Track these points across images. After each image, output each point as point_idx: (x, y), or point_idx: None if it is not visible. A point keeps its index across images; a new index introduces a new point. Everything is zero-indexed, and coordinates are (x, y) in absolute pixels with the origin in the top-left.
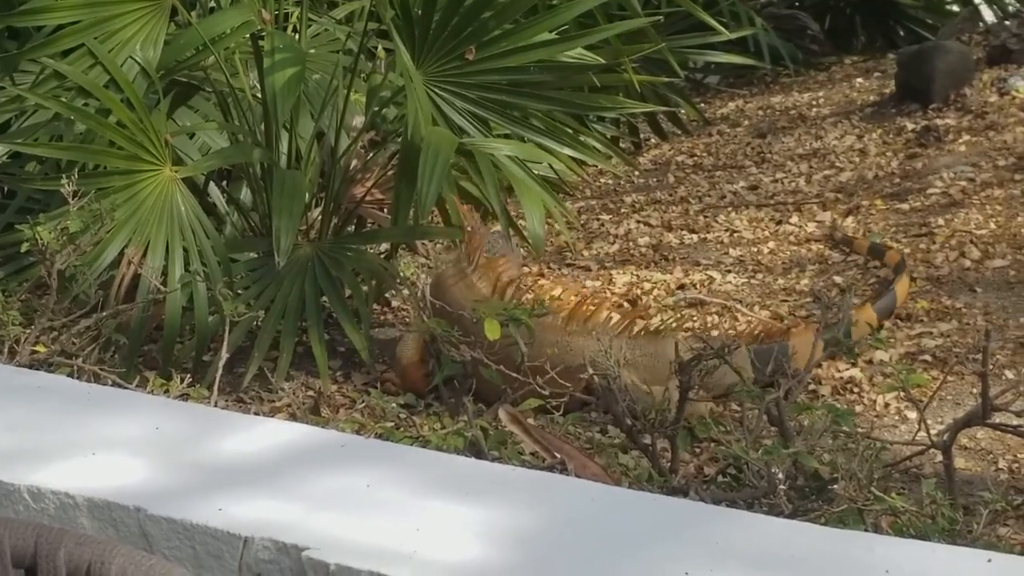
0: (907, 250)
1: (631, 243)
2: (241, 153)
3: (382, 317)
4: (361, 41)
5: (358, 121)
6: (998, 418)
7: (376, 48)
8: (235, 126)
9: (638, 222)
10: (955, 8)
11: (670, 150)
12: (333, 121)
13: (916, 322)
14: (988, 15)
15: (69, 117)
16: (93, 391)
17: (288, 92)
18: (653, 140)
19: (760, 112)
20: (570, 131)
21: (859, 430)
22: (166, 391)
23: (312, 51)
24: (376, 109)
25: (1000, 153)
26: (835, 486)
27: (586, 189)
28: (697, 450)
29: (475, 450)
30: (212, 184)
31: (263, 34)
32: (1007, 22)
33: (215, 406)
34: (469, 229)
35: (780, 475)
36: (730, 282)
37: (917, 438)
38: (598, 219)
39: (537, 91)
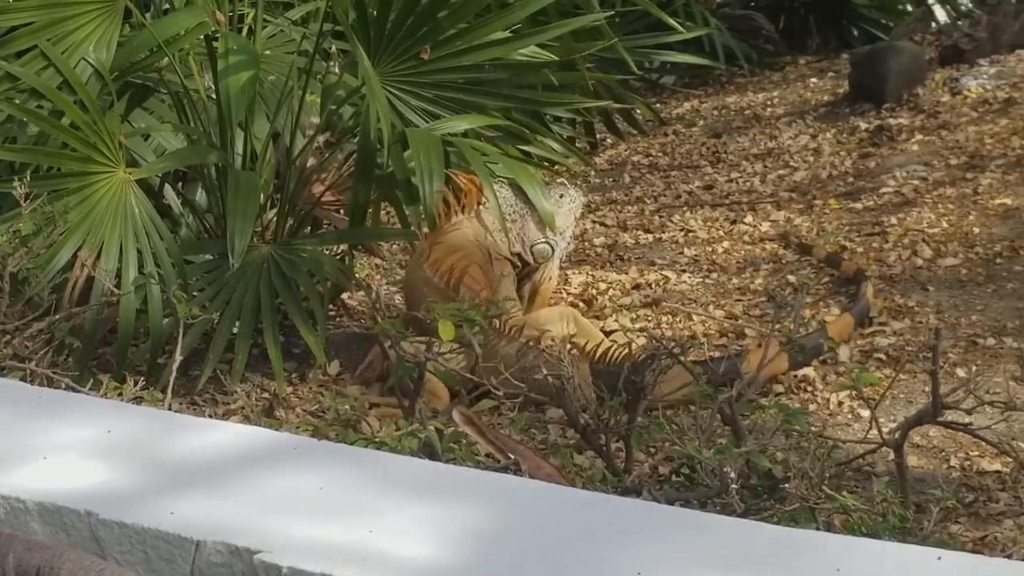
0: (860, 249)
1: (587, 243)
2: (196, 155)
3: (338, 319)
4: (316, 42)
5: (314, 121)
6: (950, 416)
7: (331, 49)
8: (190, 128)
9: (594, 222)
10: (909, 8)
11: (626, 150)
12: (288, 122)
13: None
14: (941, 15)
15: (22, 119)
16: (44, 395)
17: (243, 93)
18: (609, 140)
19: (715, 112)
20: (527, 131)
21: (812, 428)
22: (120, 394)
23: (268, 52)
24: (332, 108)
25: (952, 152)
26: (787, 485)
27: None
28: (652, 450)
29: (429, 451)
30: (167, 186)
31: (217, 35)
32: (959, 22)
33: (169, 409)
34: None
35: (732, 474)
36: (685, 282)
37: (869, 436)
38: None
39: (492, 89)
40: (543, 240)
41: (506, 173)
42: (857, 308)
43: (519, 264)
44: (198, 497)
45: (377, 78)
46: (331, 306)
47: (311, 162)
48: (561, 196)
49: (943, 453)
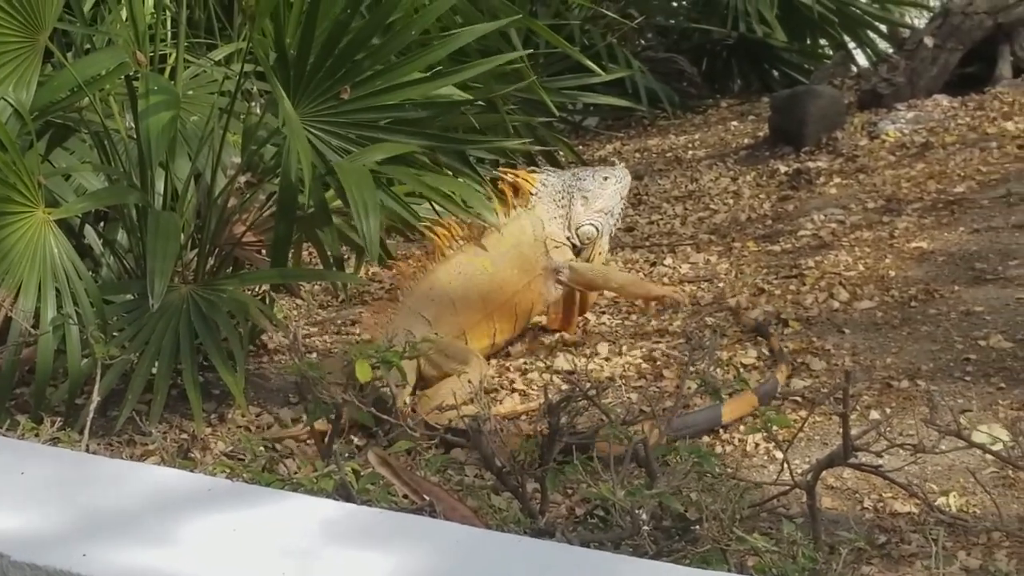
0: (777, 291)
1: None
2: (115, 195)
3: (258, 359)
4: (238, 82)
5: (235, 161)
6: (863, 458)
7: (253, 89)
8: (110, 168)
9: None
10: (829, 52)
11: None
12: (210, 161)
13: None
14: (862, 59)
15: None
16: None
17: (163, 133)
18: None
19: (637, 154)
20: (448, 171)
21: (727, 470)
22: (36, 435)
23: (190, 92)
24: (253, 148)
25: (869, 196)
26: (697, 527)
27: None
28: (570, 491)
29: (345, 493)
30: (88, 226)
31: (138, 76)
32: (878, 67)
33: (86, 450)
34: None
35: (644, 516)
36: (604, 323)
37: (782, 479)
38: None
39: (414, 129)
40: (588, 222)
41: (446, 188)
42: (763, 388)
43: (570, 248)
44: (111, 539)
45: (297, 118)
46: (251, 347)
47: (232, 202)
48: (606, 178)
49: (857, 495)
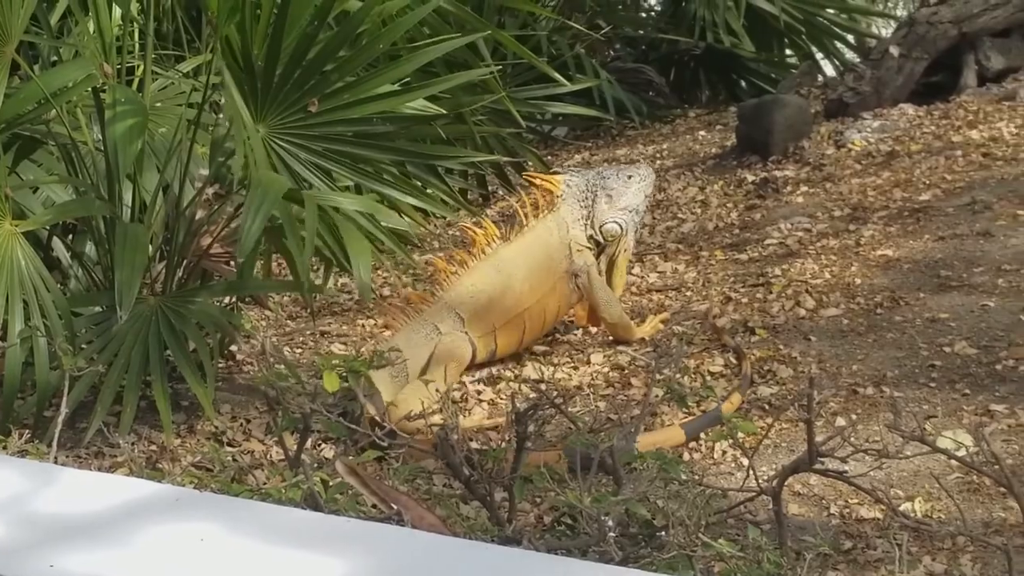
0: (744, 300)
1: None
2: (82, 207)
3: (228, 370)
4: (204, 94)
5: (203, 173)
6: (828, 464)
7: (221, 100)
8: (78, 180)
9: None
10: (796, 62)
11: (517, 201)
12: (178, 173)
13: (753, 371)
14: (829, 69)
15: None
16: None
17: (130, 145)
18: (501, 191)
19: (606, 164)
20: (417, 183)
21: (694, 476)
22: (4, 447)
23: (158, 104)
24: (221, 160)
25: (836, 204)
26: (663, 533)
27: (434, 241)
28: (538, 499)
29: (313, 502)
30: (56, 238)
31: (105, 88)
32: (845, 76)
33: (54, 462)
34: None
35: (610, 522)
36: (574, 333)
37: (748, 485)
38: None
39: (381, 142)
40: (612, 220)
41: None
42: (700, 421)
43: (594, 246)
44: (78, 549)
45: (255, 129)
46: (221, 358)
47: (200, 214)
48: (630, 176)
49: (823, 501)
